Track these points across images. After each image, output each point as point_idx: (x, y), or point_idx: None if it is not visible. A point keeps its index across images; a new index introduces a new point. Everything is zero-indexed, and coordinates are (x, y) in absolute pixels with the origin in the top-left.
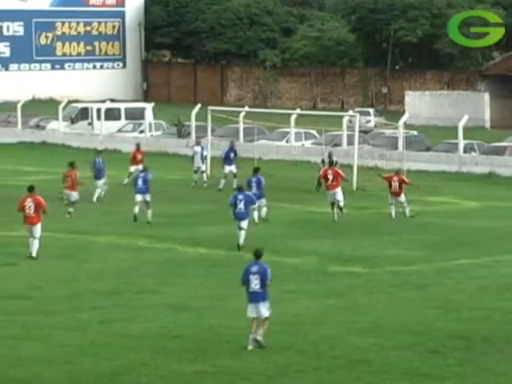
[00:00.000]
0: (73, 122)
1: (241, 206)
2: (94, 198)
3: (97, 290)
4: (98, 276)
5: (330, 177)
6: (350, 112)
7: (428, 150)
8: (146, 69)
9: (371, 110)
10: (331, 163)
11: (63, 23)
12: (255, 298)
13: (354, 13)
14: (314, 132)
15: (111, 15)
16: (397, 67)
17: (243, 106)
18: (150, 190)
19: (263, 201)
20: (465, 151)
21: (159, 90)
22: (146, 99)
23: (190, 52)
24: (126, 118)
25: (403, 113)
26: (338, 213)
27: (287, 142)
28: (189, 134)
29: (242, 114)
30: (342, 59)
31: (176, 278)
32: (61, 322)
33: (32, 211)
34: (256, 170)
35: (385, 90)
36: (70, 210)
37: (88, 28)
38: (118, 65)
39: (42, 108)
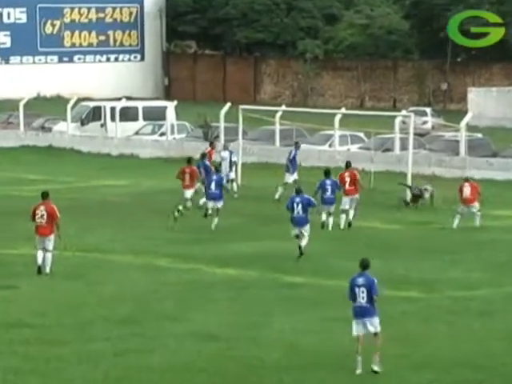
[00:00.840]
0: (83, 123)
1: (298, 209)
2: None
3: (110, 316)
4: (111, 301)
5: (348, 179)
6: (404, 112)
7: (495, 155)
8: (168, 62)
9: (428, 110)
10: (348, 165)
11: (72, 9)
12: (361, 312)
13: None
14: (361, 135)
15: (128, 0)
16: (458, 60)
17: (280, 105)
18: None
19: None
20: None
21: (183, 86)
22: (168, 97)
23: (219, 42)
24: (145, 119)
25: (466, 112)
26: (343, 221)
27: (330, 146)
28: (217, 137)
29: (279, 114)
30: (394, 51)
31: (201, 302)
32: (69, 354)
33: (44, 221)
34: (328, 173)
35: (444, 87)
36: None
37: (101, 15)
38: (136, 57)
39: (47, 107)
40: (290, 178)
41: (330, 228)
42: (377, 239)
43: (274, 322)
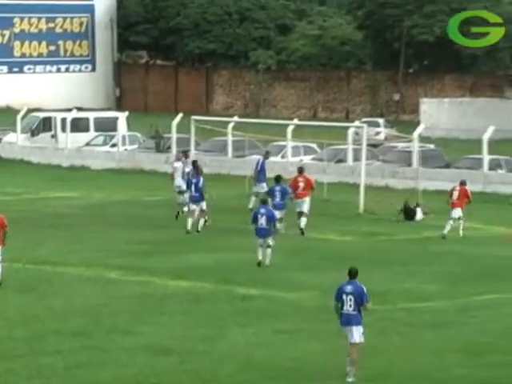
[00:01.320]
0: (33, 134)
1: (262, 221)
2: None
3: (61, 330)
4: (62, 314)
5: (302, 184)
6: (357, 123)
7: (447, 166)
8: (120, 72)
9: (381, 121)
10: (301, 170)
11: (22, 19)
12: (348, 320)
13: (361, 7)
14: (314, 146)
15: (78, 10)
16: (411, 70)
17: (232, 116)
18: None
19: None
20: (490, 168)
21: (134, 96)
22: (119, 107)
23: (171, 53)
24: (96, 130)
25: (418, 123)
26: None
27: (283, 157)
28: (169, 148)
29: (231, 125)
30: (347, 61)
31: (154, 315)
32: (20, 368)
33: None
34: (278, 179)
35: (397, 97)
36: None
37: (51, 25)
38: (87, 67)
39: None
40: (263, 186)
41: (284, 230)
42: (331, 251)
43: (227, 334)
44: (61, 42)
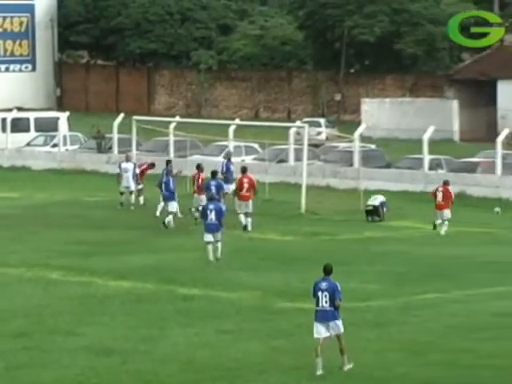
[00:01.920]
0: None
1: (212, 216)
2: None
3: (2, 331)
4: (3, 314)
5: (246, 185)
6: (298, 123)
7: (388, 166)
8: (60, 72)
9: (322, 121)
10: (244, 170)
11: None
12: (324, 316)
13: (302, 8)
14: (255, 146)
15: (18, 9)
16: (352, 71)
17: (174, 116)
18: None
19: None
20: (431, 168)
21: (75, 96)
22: (60, 107)
23: (112, 53)
24: (37, 130)
25: (359, 123)
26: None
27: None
28: (110, 148)
29: (173, 125)
30: (289, 61)
31: (95, 316)
32: None
33: None
34: (214, 174)
35: (338, 97)
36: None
37: None
38: (27, 67)
39: None
40: (230, 188)
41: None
42: (273, 251)
43: (169, 335)
44: (0, 42)
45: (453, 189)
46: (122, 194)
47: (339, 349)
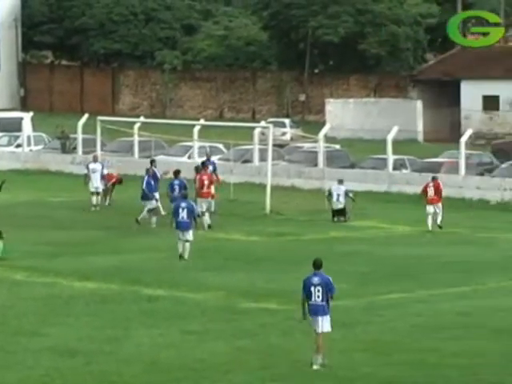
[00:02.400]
0: None
1: (183, 214)
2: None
3: None
4: None
5: (206, 182)
6: (263, 123)
7: (352, 166)
8: (24, 72)
9: (287, 121)
10: (203, 165)
11: None
12: (316, 310)
13: (267, 8)
14: (220, 146)
15: None
16: (316, 71)
17: (138, 116)
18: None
19: None
20: (395, 168)
21: (39, 96)
22: (24, 108)
23: (76, 53)
24: (0, 130)
25: (324, 124)
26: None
27: (190, 157)
28: (74, 148)
29: (137, 126)
30: (253, 62)
31: (60, 317)
32: None
33: None
34: (177, 173)
35: (302, 98)
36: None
37: None
38: None
39: None
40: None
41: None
42: (237, 251)
43: (133, 335)
44: None
45: (416, 189)
46: (92, 194)
47: (316, 346)
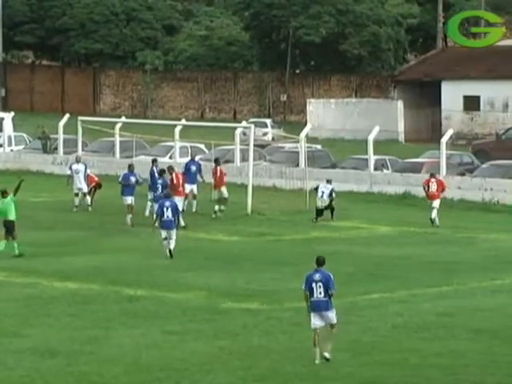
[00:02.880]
0: None
1: (168, 213)
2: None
3: None
4: None
5: (176, 181)
6: (244, 123)
7: (334, 166)
8: (5, 72)
9: (268, 121)
10: (166, 170)
11: None
12: (319, 306)
13: (248, 8)
14: (202, 146)
15: None
16: (297, 71)
17: (119, 117)
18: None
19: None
20: (376, 168)
21: (20, 96)
22: (5, 108)
23: (57, 53)
24: None
25: (305, 124)
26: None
27: (171, 157)
28: (56, 148)
29: (118, 126)
30: (234, 62)
31: (41, 318)
32: None
33: None
34: (162, 172)
35: (284, 98)
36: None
37: None
38: None
39: None
40: (188, 188)
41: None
42: (218, 251)
43: (114, 336)
44: None
45: (397, 189)
46: (76, 195)
47: (327, 336)
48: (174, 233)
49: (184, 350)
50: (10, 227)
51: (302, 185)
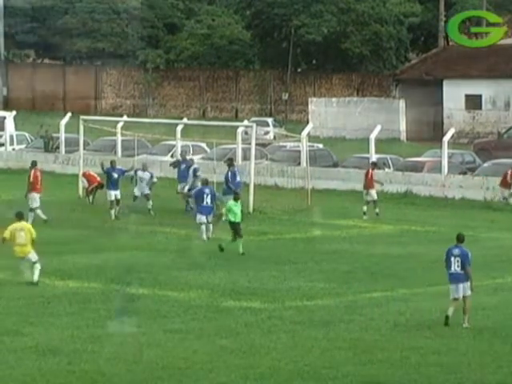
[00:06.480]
0: None
1: (208, 200)
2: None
3: None
4: None
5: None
6: (246, 122)
7: (335, 165)
8: (6, 71)
9: (270, 120)
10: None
11: None
12: (456, 278)
13: (250, 7)
14: (203, 145)
15: None
16: (299, 70)
17: (121, 115)
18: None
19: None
20: (378, 167)
21: (22, 95)
22: (6, 107)
23: (58, 52)
24: None
25: (307, 123)
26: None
27: (173, 156)
28: (57, 147)
29: (120, 125)
30: (236, 60)
31: (42, 316)
32: None
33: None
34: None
35: (285, 97)
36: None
37: None
38: None
39: None
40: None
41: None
42: (220, 251)
43: (116, 335)
44: None
45: (399, 188)
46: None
47: (463, 308)
48: (210, 218)
49: (186, 348)
50: None
51: (303, 184)
